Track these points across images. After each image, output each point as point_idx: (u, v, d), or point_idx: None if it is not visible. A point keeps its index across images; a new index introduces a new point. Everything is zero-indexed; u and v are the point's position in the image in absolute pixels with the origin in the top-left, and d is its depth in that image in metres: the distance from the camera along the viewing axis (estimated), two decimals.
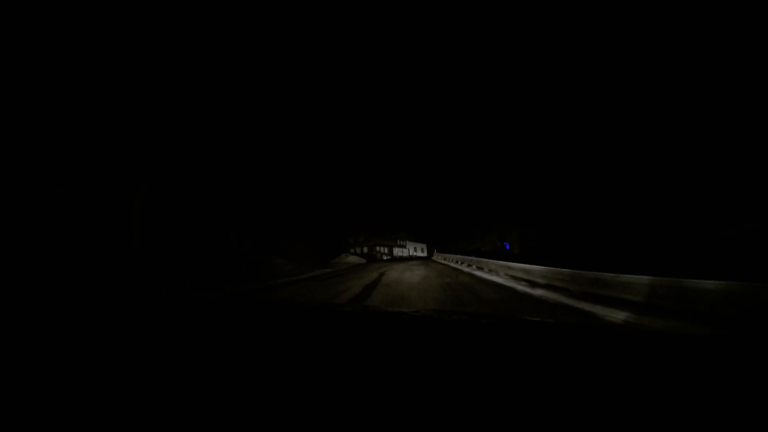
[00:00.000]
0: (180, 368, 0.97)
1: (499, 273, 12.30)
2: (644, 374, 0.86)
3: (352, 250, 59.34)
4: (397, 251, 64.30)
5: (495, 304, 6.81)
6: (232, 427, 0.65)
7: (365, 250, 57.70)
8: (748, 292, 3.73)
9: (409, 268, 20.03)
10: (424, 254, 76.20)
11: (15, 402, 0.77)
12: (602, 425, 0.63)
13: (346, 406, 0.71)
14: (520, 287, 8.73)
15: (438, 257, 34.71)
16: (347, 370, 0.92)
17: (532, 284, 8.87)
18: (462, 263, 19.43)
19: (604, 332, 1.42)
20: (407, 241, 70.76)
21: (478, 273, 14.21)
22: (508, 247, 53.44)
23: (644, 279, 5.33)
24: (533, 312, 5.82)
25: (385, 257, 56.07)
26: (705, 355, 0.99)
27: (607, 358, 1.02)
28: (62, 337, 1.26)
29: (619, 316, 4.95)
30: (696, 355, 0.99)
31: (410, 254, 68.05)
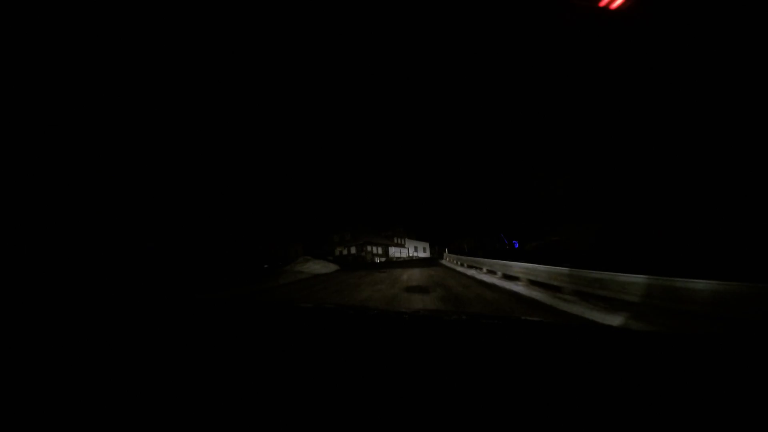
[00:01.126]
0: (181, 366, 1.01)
1: None
2: (641, 373, 0.87)
3: (338, 251, 47.06)
4: (394, 251, 51.90)
5: None
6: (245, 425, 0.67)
7: (353, 250, 45.40)
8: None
9: (396, 301, 7.34)
10: (427, 254, 63.87)
11: (21, 394, 0.82)
12: (601, 423, 0.64)
13: (348, 405, 0.72)
14: None
15: (452, 261, 22.45)
16: (349, 369, 0.92)
17: None
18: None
19: (602, 332, 1.46)
20: (406, 239, 58.28)
21: None
22: (517, 245, 45.27)
23: None
24: None
25: (378, 259, 43.67)
26: (700, 355, 1.00)
27: (606, 357, 1.03)
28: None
29: None
30: (691, 355, 1.00)
31: (410, 255, 55.71)
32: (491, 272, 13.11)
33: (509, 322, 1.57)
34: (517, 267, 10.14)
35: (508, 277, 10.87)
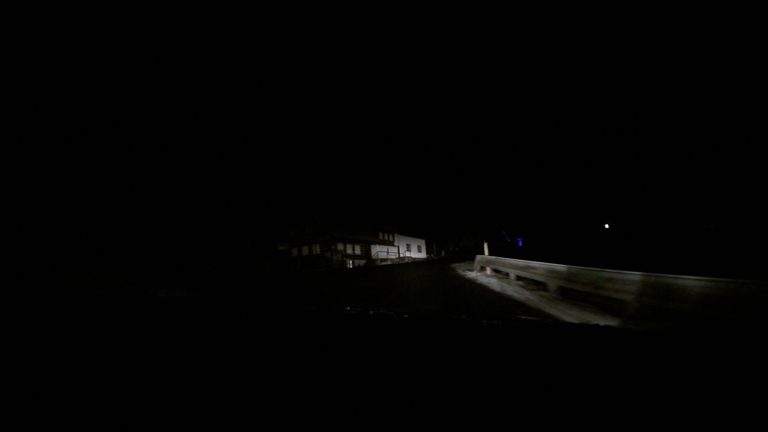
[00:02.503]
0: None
1: None
2: (641, 373, 0.87)
3: (295, 250, 32.58)
4: (379, 251, 37.51)
5: None
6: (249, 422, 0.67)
7: (316, 249, 30.92)
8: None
9: None
10: (422, 254, 49.83)
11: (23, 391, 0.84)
12: (601, 422, 0.65)
13: (349, 405, 0.72)
14: None
15: (509, 281, 8.03)
16: (351, 369, 0.92)
17: None
18: None
19: (602, 332, 1.42)
20: (396, 235, 43.90)
21: None
22: (521, 243, 40.98)
23: None
24: None
25: (351, 263, 29.12)
26: (699, 355, 1.00)
27: (605, 357, 1.04)
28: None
29: None
30: (690, 355, 1.00)
31: (400, 256, 41.43)
32: None
33: (509, 322, 1.56)
34: None
35: None
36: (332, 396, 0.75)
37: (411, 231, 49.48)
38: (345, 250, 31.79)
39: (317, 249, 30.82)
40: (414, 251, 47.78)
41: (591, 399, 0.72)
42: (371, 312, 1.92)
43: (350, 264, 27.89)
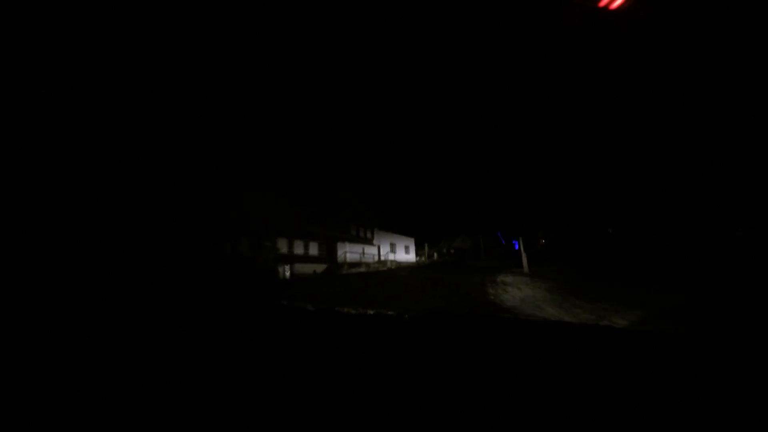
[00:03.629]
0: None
1: None
2: (641, 372, 0.87)
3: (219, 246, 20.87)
4: (349, 252, 26.20)
5: None
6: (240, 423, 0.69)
7: (244, 246, 19.34)
8: None
9: None
10: (411, 256, 38.82)
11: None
12: (601, 421, 0.65)
13: (351, 406, 0.72)
14: None
15: None
16: (352, 371, 0.91)
17: None
18: None
19: (603, 332, 1.42)
20: (376, 231, 32.57)
21: None
22: (517, 246, 35.82)
23: None
24: None
25: (290, 271, 17.54)
26: (700, 355, 0.99)
27: (607, 357, 1.03)
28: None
29: None
30: (690, 355, 1.00)
31: (381, 259, 30.10)
32: None
33: (510, 322, 1.53)
34: None
35: None
36: (330, 396, 0.74)
37: (397, 227, 38.25)
38: (291, 249, 20.36)
39: (245, 245, 19.31)
40: (400, 252, 36.55)
41: (591, 399, 0.71)
42: (370, 312, 1.92)
43: (287, 272, 16.48)
